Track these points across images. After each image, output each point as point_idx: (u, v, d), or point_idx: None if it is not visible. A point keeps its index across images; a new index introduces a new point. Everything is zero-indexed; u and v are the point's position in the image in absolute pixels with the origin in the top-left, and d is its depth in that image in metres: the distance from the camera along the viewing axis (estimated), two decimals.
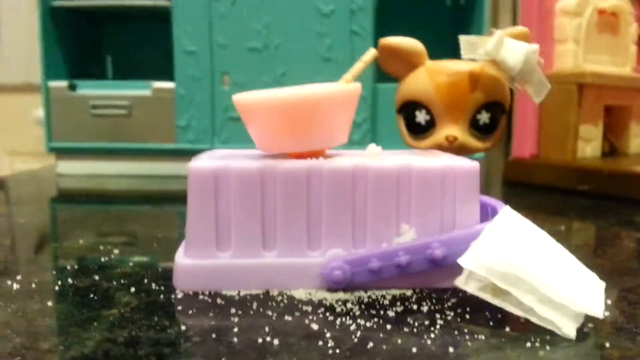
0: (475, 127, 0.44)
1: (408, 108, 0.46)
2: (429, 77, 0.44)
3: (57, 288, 0.35)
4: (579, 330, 0.28)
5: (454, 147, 0.44)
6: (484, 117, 0.44)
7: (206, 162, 0.35)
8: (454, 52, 0.47)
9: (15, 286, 0.35)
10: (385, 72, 0.48)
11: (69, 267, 0.40)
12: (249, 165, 0.34)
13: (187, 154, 0.37)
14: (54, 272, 0.39)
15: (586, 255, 0.45)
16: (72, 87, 0.98)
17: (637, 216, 0.62)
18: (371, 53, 0.39)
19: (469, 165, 0.36)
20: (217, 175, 0.34)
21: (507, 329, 0.29)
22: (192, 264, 0.35)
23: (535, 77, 0.43)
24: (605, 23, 0.92)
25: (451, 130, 0.44)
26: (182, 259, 0.35)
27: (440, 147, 0.44)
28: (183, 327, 0.29)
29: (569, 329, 0.28)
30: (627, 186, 0.73)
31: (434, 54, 0.46)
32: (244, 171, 0.34)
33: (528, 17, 0.93)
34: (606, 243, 0.51)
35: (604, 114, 0.91)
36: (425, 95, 0.44)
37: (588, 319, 0.29)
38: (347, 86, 0.37)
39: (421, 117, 0.45)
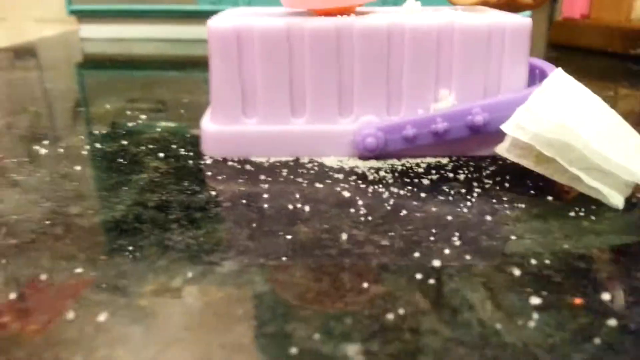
0: None
1: None
2: None
3: (85, 153, 0.35)
4: (627, 200, 0.26)
5: (502, 2, 0.40)
6: None
7: (227, 20, 0.32)
8: None
9: (43, 151, 0.35)
10: None
11: (96, 132, 0.40)
12: (274, 23, 0.31)
13: (210, 16, 0.34)
14: (82, 137, 0.38)
15: (635, 124, 0.42)
16: None
17: None
18: None
19: (520, 21, 0.32)
20: (240, 35, 0.32)
21: (550, 198, 0.28)
22: (219, 130, 0.33)
23: None
24: None
25: None
26: (208, 124, 0.34)
27: (486, 3, 0.40)
28: (213, 193, 0.28)
29: (617, 199, 0.26)
30: None
31: None
32: (268, 29, 0.31)
33: None
34: None
35: None
36: None
37: (637, 188, 0.27)
38: None
39: None
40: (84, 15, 0.97)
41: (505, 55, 0.32)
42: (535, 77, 0.34)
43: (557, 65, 0.33)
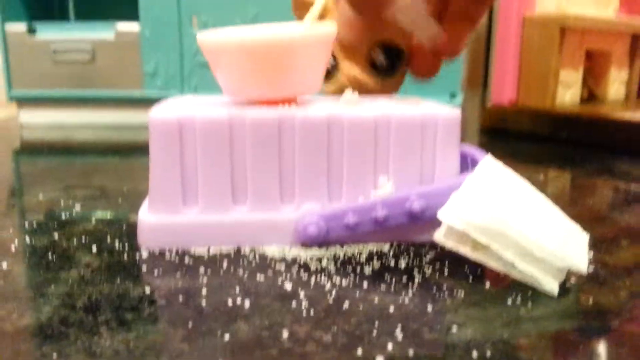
0: (373, 67, 0.43)
1: None
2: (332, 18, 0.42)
3: (13, 248, 0.33)
4: (561, 286, 0.27)
5: (356, 87, 0.42)
6: (379, 58, 0.42)
7: (168, 111, 0.32)
8: None
9: None
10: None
11: (27, 225, 0.38)
12: (216, 114, 0.32)
13: (156, 102, 0.35)
14: (10, 231, 0.37)
15: (565, 205, 0.45)
16: (32, 31, 0.92)
17: (616, 164, 0.62)
18: None
19: (450, 112, 0.34)
20: (181, 125, 0.32)
21: (487, 285, 0.28)
22: (157, 220, 0.32)
23: (415, 18, 0.40)
24: None
25: (350, 70, 0.42)
26: (146, 215, 0.33)
27: (344, 87, 0.42)
28: (147, 289, 0.27)
29: (551, 285, 0.27)
30: (606, 133, 0.72)
31: None
32: (210, 120, 0.32)
33: None
34: (585, 192, 0.50)
35: (584, 59, 0.90)
36: None
37: (570, 273, 0.28)
38: (323, 27, 0.34)
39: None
40: (24, 101, 0.96)
41: (438, 143, 0.34)
42: (467, 163, 0.36)
43: (490, 150, 0.35)
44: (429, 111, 0.34)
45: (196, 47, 0.90)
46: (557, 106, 0.85)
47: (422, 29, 0.41)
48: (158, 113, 0.32)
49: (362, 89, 0.43)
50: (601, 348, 0.22)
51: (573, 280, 0.28)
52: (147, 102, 0.93)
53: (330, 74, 0.44)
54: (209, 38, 0.33)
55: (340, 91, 0.43)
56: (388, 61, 0.43)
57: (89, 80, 0.94)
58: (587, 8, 0.90)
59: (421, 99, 0.40)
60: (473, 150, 0.37)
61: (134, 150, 0.73)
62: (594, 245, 0.34)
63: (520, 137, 0.82)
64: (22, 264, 0.31)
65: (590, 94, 0.97)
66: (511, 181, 0.32)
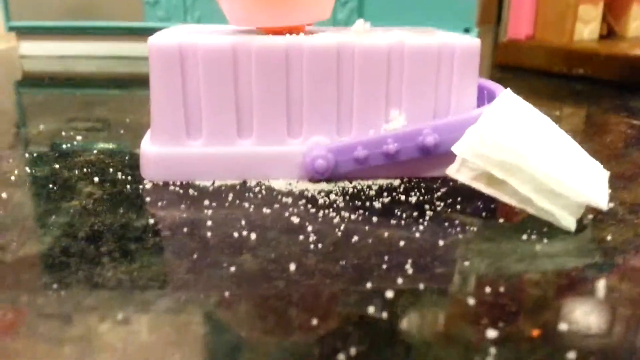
0: None
1: None
2: None
3: (12, 178, 0.32)
4: (579, 222, 0.26)
5: None
6: None
7: (169, 37, 0.30)
8: None
9: None
10: None
11: (27, 155, 0.37)
12: (219, 41, 0.30)
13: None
14: (10, 161, 0.36)
15: (581, 142, 0.43)
16: None
17: (633, 101, 0.60)
18: None
19: (469, 41, 0.32)
20: (183, 52, 0.30)
21: (501, 220, 0.27)
22: (160, 152, 0.31)
23: None
24: None
25: None
26: (149, 146, 0.32)
27: None
28: (151, 220, 0.26)
29: (569, 221, 0.26)
30: (623, 70, 0.69)
31: None
32: (213, 47, 0.30)
33: None
34: (602, 129, 0.49)
35: None
36: None
37: (588, 209, 0.27)
38: None
39: None
40: (24, 32, 0.93)
41: (455, 75, 0.32)
42: (484, 97, 0.34)
43: (503, 86, 0.33)
44: (447, 40, 0.32)
45: None
46: (574, 42, 0.81)
47: None
48: (158, 39, 0.30)
49: None
50: (618, 284, 0.22)
51: (591, 216, 0.27)
52: (147, 33, 0.90)
53: None
54: None
55: None
56: None
57: (89, 11, 0.90)
58: None
59: (437, 30, 0.38)
60: (490, 84, 0.35)
61: (136, 82, 0.71)
62: (611, 182, 0.33)
63: (536, 73, 0.79)
64: (23, 194, 0.30)
65: (610, 30, 0.93)
66: (531, 116, 0.30)
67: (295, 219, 0.27)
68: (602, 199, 0.26)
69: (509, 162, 0.26)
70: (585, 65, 0.74)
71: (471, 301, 0.20)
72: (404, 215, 0.27)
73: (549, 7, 0.84)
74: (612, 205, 0.29)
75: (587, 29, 0.85)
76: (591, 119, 0.54)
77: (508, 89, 0.32)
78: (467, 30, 0.87)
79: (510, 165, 0.26)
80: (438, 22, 0.44)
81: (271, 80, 0.31)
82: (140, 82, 0.70)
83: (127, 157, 0.36)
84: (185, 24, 0.88)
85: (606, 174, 0.29)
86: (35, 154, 0.37)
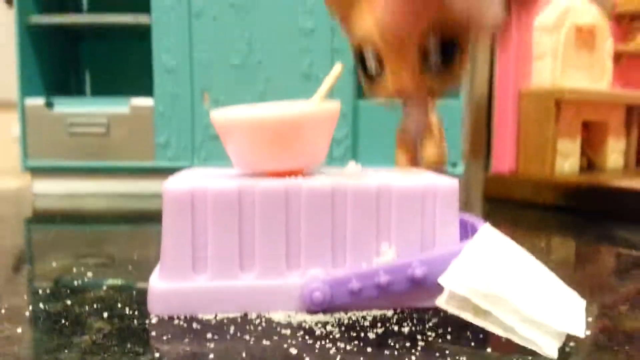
0: (426, 63, 0.38)
1: (360, 53, 0.41)
2: (371, 11, 0.38)
3: (27, 314, 0.34)
4: (561, 350, 0.28)
5: (407, 96, 0.40)
6: (432, 50, 0.38)
7: (182, 182, 0.34)
8: None
9: None
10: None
11: (40, 292, 0.39)
12: (226, 185, 0.34)
13: (167, 172, 0.37)
14: (25, 297, 0.38)
15: (566, 272, 0.45)
16: (49, 105, 0.97)
17: (616, 231, 0.63)
18: (337, 69, 0.38)
19: (449, 183, 0.36)
20: (194, 196, 0.34)
21: (489, 350, 0.28)
22: (167, 287, 0.34)
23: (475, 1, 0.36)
24: (582, 39, 0.94)
25: (398, 79, 0.39)
26: (157, 282, 0.34)
27: (392, 96, 0.40)
28: (157, 354, 0.28)
29: (551, 349, 0.27)
30: (605, 201, 0.73)
31: None
32: (221, 191, 0.34)
33: (506, 33, 0.95)
34: (586, 259, 0.51)
35: (581, 130, 0.92)
36: (370, 31, 0.38)
37: (569, 337, 0.29)
38: (328, 105, 0.36)
39: (371, 60, 0.40)
40: (38, 171, 0.99)
41: (438, 212, 0.35)
42: (467, 231, 0.37)
43: (493, 217, 0.36)
44: (429, 182, 0.35)
45: (207, 121, 0.94)
46: (556, 175, 0.87)
47: (481, 10, 0.36)
48: (172, 184, 0.34)
49: (414, 92, 0.39)
50: None
51: (572, 344, 0.29)
52: (157, 172, 0.96)
53: (374, 80, 0.40)
54: (222, 116, 0.35)
55: (389, 98, 0.40)
56: (442, 53, 0.38)
57: (102, 152, 0.97)
58: (581, 82, 0.94)
59: (421, 170, 0.42)
60: (472, 219, 0.38)
61: (144, 219, 0.75)
62: (594, 311, 0.34)
63: (522, 205, 0.83)
64: (36, 330, 0.31)
65: (590, 163, 1.00)
66: (509, 248, 0.33)
67: (294, 351, 0.28)
68: (579, 327, 0.28)
69: (492, 293, 0.29)
70: (568, 197, 0.79)
71: None
72: (397, 346, 0.29)
73: (529, 143, 0.91)
74: (594, 333, 0.31)
75: (567, 163, 0.91)
76: (576, 249, 0.56)
77: (487, 223, 0.35)
78: (454, 165, 0.93)
79: (494, 296, 0.29)
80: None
81: (272, 218, 0.34)
82: (148, 218, 0.74)
83: (134, 293, 0.38)
84: (192, 163, 0.95)
85: (583, 303, 0.31)
86: (48, 291, 0.39)
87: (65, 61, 1.13)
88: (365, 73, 0.41)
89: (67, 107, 0.97)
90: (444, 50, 0.37)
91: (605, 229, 0.64)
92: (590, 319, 0.33)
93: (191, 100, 0.95)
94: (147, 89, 0.97)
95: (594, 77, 0.97)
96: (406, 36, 0.36)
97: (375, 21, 0.37)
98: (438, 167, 0.39)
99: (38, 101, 0.97)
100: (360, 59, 0.40)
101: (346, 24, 0.40)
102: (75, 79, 1.18)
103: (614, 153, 1.00)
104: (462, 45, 0.38)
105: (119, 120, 0.97)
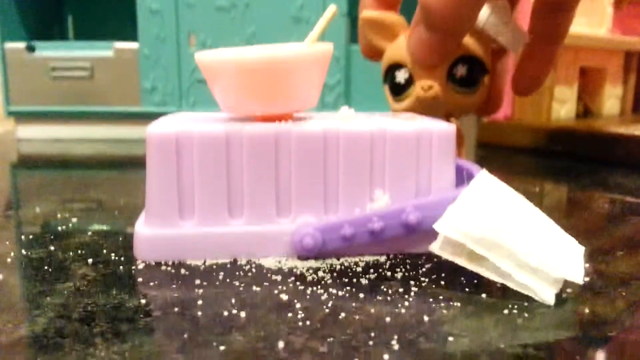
0: (453, 81, 0.43)
1: (390, 71, 0.45)
2: (406, 38, 0.43)
3: (9, 260, 0.33)
4: (558, 296, 0.27)
5: (432, 98, 0.42)
6: (460, 71, 0.43)
7: (166, 126, 0.32)
8: None
9: None
10: (366, 52, 0.48)
11: (23, 238, 0.38)
12: (213, 129, 0.32)
13: (154, 117, 0.35)
14: (7, 243, 0.37)
15: (560, 217, 0.45)
16: (30, 49, 0.93)
17: (611, 177, 0.62)
18: (331, 10, 0.36)
19: (445, 127, 0.34)
20: (179, 140, 0.32)
21: (484, 295, 0.28)
22: (153, 233, 0.32)
23: (508, 28, 0.42)
24: None
25: (426, 81, 0.42)
26: (143, 228, 0.33)
27: (420, 101, 0.43)
28: (143, 301, 0.27)
29: (548, 294, 0.27)
30: (600, 147, 0.73)
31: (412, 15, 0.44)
32: (207, 135, 0.32)
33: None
34: (580, 204, 0.51)
35: (578, 76, 0.91)
36: (404, 54, 0.43)
37: (567, 284, 0.28)
38: (319, 47, 0.34)
39: (401, 76, 0.44)
40: (22, 116, 0.96)
41: (433, 157, 0.34)
42: (463, 177, 0.36)
43: (487, 163, 0.35)
44: (424, 126, 0.34)
45: (194, 65, 0.91)
46: (552, 121, 0.86)
47: (507, 36, 0.42)
48: (156, 128, 0.32)
49: (441, 106, 0.43)
50: (600, 357, 0.22)
51: (570, 290, 0.28)
52: (144, 117, 0.94)
53: (403, 89, 0.44)
54: (207, 57, 0.33)
55: (414, 108, 0.44)
56: (469, 74, 0.43)
57: (86, 96, 0.94)
58: (580, 27, 0.91)
59: (417, 115, 0.41)
60: (468, 165, 0.37)
61: (131, 164, 0.73)
62: (590, 256, 0.34)
63: (517, 151, 0.83)
64: (18, 276, 0.30)
65: (586, 109, 0.98)
66: (506, 194, 0.32)
67: (285, 297, 0.28)
68: (577, 274, 0.27)
69: (487, 238, 0.28)
70: (563, 143, 0.78)
71: None
72: (390, 292, 0.28)
73: None
74: (590, 278, 0.30)
75: (564, 109, 0.89)
76: (570, 195, 0.56)
77: (484, 169, 0.34)
78: None
79: (489, 241, 0.28)
80: None
81: (261, 164, 0.33)
82: (134, 164, 0.72)
83: (120, 238, 0.37)
84: (180, 109, 0.92)
85: (581, 249, 0.31)
86: (31, 236, 0.38)
87: (47, 5, 1.08)
88: (392, 84, 0.45)
89: (49, 52, 0.94)
90: (470, 71, 0.43)
91: (601, 175, 0.63)
92: (587, 265, 0.32)
93: (177, 43, 0.92)
94: (132, 35, 0.93)
95: (593, 23, 0.95)
96: (436, 63, 0.42)
97: (408, 49, 0.42)
98: None
99: (19, 45, 0.93)
100: (389, 75, 0.45)
101: (383, 49, 0.46)
102: (58, 24, 1.13)
103: (611, 99, 0.99)
104: (485, 67, 0.43)
105: (103, 65, 0.93)
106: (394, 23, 0.45)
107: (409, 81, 0.43)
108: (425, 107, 0.43)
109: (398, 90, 0.44)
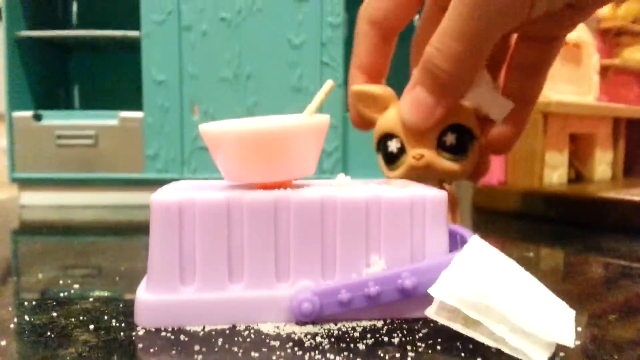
0: (443, 148, 0.45)
1: (383, 141, 0.47)
2: (397, 109, 0.45)
3: (12, 326, 0.33)
4: None
5: (424, 167, 0.44)
6: (450, 139, 0.45)
7: (170, 193, 0.34)
8: None
9: None
10: (356, 123, 0.51)
11: (26, 304, 0.38)
12: (214, 196, 0.34)
13: (156, 184, 0.37)
14: (10, 309, 0.37)
15: (555, 282, 0.45)
16: (37, 117, 0.96)
17: (604, 242, 0.63)
18: (329, 84, 0.38)
19: (437, 194, 0.36)
20: (182, 207, 0.33)
21: None
22: (154, 299, 0.33)
23: (491, 98, 0.45)
24: (568, 54, 0.95)
25: (418, 150, 0.44)
26: (144, 294, 0.34)
27: (412, 169, 0.45)
28: None
29: (541, 358, 0.27)
30: (593, 212, 0.74)
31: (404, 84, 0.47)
32: (209, 202, 0.33)
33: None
34: (574, 269, 0.51)
35: (569, 142, 0.93)
36: (395, 124, 0.45)
37: (559, 347, 0.29)
38: (316, 118, 0.36)
39: (393, 145, 0.46)
40: (26, 183, 0.98)
41: (427, 223, 0.35)
42: (457, 242, 0.37)
43: (481, 228, 0.36)
44: (417, 192, 0.36)
45: (196, 133, 0.94)
46: (544, 187, 0.87)
47: (491, 105, 0.45)
48: (160, 195, 0.34)
49: (433, 169, 0.45)
50: None
51: (562, 354, 0.29)
52: (146, 184, 0.96)
53: (396, 158, 0.46)
54: (210, 128, 0.35)
55: (407, 176, 0.45)
56: (458, 142, 0.45)
57: (90, 164, 0.97)
58: (568, 95, 0.95)
59: (410, 182, 0.42)
60: (461, 230, 0.38)
61: (132, 230, 0.74)
62: (583, 320, 0.35)
63: (511, 216, 0.84)
64: (21, 342, 0.31)
65: (578, 174, 1.01)
66: (498, 259, 0.33)
67: None
68: (568, 337, 0.28)
69: (481, 303, 0.29)
70: (557, 208, 0.79)
71: None
72: (387, 357, 0.29)
73: (518, 155, 0.91)
74: (583, 343, 0.31)
75: (555, 174, 0.91)
76: (564, 259, 0.56)
77: (476, 234, 0.35)
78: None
79: (483, 306, 0.29)
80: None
81: (261, 230, 0.34)
82: (135, 229, 0.73)
83: (121, 305, 0.38)
84: (182, 175, 0.94)
85: (572, 313, 0.31)
86: (33, 302, 0.38)
87: (53, 74, 1.13)
88: (385, 154, 0.47)
89: (55, 120, 0.97)
90: (459, 139, 0.45)
91: (594, 239, 0.64)
92: (579, 329, 0.33)
93: (180, 112, 0.95)
94: (136, 104, 0.97)
95: (580, 90, 0.99)
96: (427, 131, 0.44)
97: (399, 119, 0.45)
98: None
99: (26, 114, 0.97)
100: (382, 145, 0.48)
101: (373, 120, 0.49)
102: (64, 93, 1.17)
103: (602, 164, 1.01)
104: (474, 135, 0.46)
105: (108, 133, 0.96)
106: (383, 95, 0.47)
107: (401, 150, 0.45)
108: (418, 175, 0.45)
109: (391, 159, 0.46)
